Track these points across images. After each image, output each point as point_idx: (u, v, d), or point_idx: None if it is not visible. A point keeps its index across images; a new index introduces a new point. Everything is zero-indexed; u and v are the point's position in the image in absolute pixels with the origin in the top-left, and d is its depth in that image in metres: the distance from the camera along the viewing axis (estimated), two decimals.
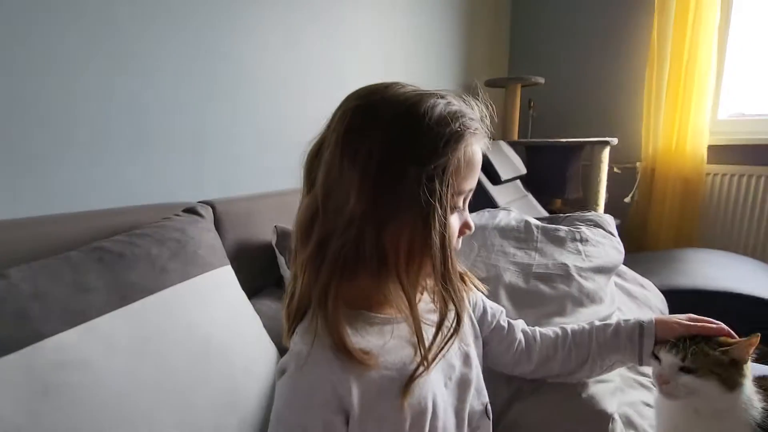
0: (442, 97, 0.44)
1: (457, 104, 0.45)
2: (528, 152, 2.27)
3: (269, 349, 0.77)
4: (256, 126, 1.20)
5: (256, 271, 1.01)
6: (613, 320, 0.61)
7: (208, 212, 0.85)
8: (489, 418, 0.53)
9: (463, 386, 0.50)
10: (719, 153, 2.12)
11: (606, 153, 2.03)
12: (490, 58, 2.57)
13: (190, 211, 0.82)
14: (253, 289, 0.94)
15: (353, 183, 0.42)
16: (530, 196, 2.07)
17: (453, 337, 0.44)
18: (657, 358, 0.55)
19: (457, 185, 0.43)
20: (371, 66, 1.60)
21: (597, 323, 0.61)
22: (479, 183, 0.60)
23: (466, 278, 0.54)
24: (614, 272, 0.92)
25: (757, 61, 2.13)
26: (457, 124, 0.42)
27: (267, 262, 1.04)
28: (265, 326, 0.78)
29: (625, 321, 0.60)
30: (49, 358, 0.49)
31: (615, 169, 2.26)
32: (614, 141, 2.03)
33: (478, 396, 0.53)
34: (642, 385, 0.75)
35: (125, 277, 0.62)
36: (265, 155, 1.23)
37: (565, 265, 0.80)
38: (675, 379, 0.52)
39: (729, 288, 1.33)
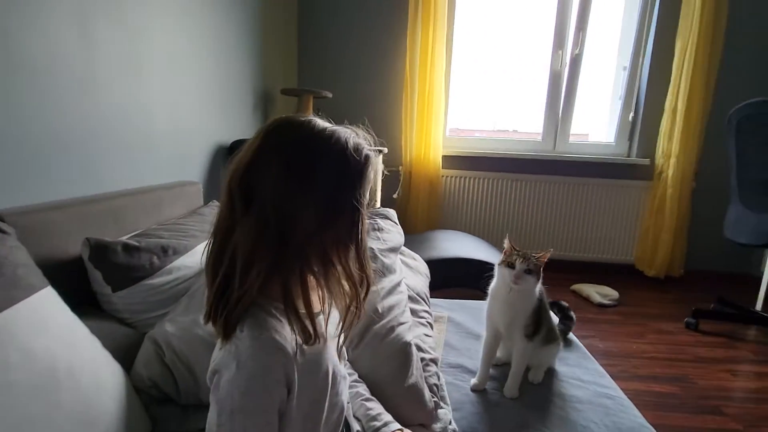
0: (348, 132, 0.57)
1: (355, 136, 0.58)
2: None
3: (114, 365, 0.75)
4: (47, 127, 1.01)
5: (61, 291, 0.89)
6: (377, 412, 0.77)
7: (8, 227, 0.72)
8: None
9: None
10: (448, 161, 2.96)
11: (380, 159, 2.53)
12: (284, 69, 2.76)
13: None
14: None
15: (306, 207, 0.52)
16: None
17: (361, 306, 0.58)
18: (511, 266, 0.98)
19: (365, 195, 0.58)
20: (174, 67, 1.54)
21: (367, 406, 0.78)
22: None
23: None
24: (399, 250, 1.28)
25: (468, 94, 3.09)
26: (365, 153, 0.57)
27: (74, 278, 0.94)
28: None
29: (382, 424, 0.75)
30: None
31: (385, 172, 2.83)
32: (385, 150, 2.56)
33: (344, 358, 0.71)
34: (422, 324, 1.12)
35: None
36: (59, 159, 1.06)
37: (372, 248, 1.08)
38: (522, 277, 0.97)
39: (463, 255, 1.96)
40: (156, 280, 1.01)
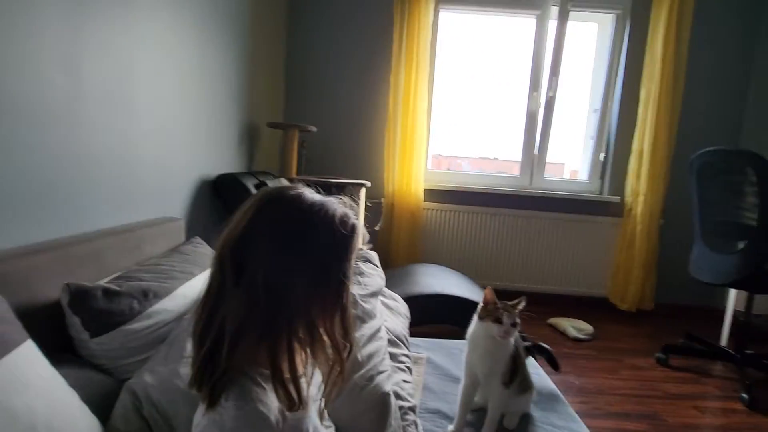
0: (337, 203, 0.61)
1: (342, 207, 0.61)
2: None
3: (91, 419, 0.75)
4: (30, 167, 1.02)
5: (38, 337, 0.88)
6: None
7: None
8: None
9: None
10: (430, 194, 3.03)
11: (363, 192, 2.58)
12: (271, 103, 2.82)
13: None
14: None
15: (297, 280, 0.55)
16: None
17: (344, 370, 0.60)
18: (498, 321, 1.01)
19: (351, 265, 0.61)
20: (160, 103, 1.56)
21: None
22: None
23: None
24: (379, 294, 1.31)
25: (451, 123, 3.20)
26: (351, 223, 0.60)
27: (52, 324, 0.93)
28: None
29: None
30: None
31: (367, 203, 2.87)
32: (368, 183, 2.61)
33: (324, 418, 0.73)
34: (401, 370, 1.14)
35: None
36: (41, 199, 1.06)
37: (353, 294, 1.10)
38: (510, 331, 1.01)
39: (443, 291, 2.00)
40: (135, 325, 1.01)
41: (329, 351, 0.59)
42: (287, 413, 0.56)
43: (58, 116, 1.11)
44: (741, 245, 2.01)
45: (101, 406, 0.83)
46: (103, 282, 1.05)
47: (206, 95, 1.95)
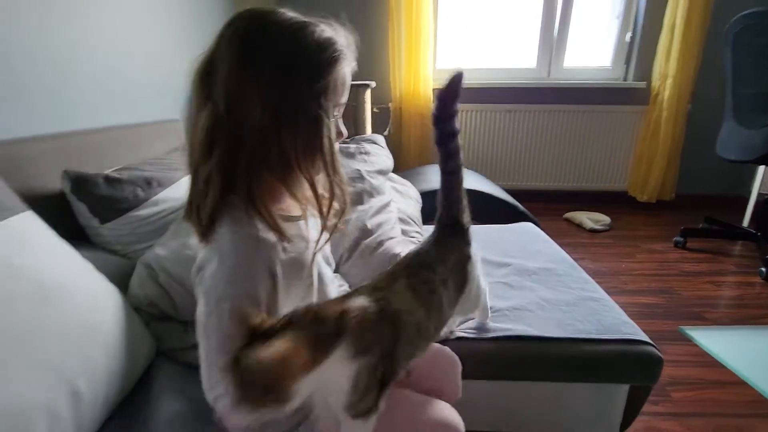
0: (317, 25, 0.53)
1: (330, 31, 0.53)
2: None
3: (108, 285, 0.76)
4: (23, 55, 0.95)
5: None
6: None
7: None
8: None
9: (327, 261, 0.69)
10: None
11: (368, 94, 2.45)
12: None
13: None
14: None
15: (256, 97, 0.49)
16: None
17: (327, 215, 0.56)
18: None
19: (334, 100, 0.55)
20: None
21: None
22: None
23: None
24: (387, 174, 1.27)
25: (457, 28, 2.92)
26: (332, 50, 0.52)
27: (58, 213, 0.93)
28: None
29: None
30: None
31: (374, 109, 2.75)
32: (373, 84, 2.46)
33: (331, 266, 0.73)
34: (411, 242, 1.14)
35: None
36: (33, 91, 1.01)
37: (359, 170, 1.07)
38: None
39: None
40: (143, 212, 1.01)
41: (308, 193, 0.56)
42: (286, 245, 0.54)
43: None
44: None
45: (120, 284, 0.85)
46: (106, 172, 1.03)
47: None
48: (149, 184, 1.06)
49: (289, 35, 0.51)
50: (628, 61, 2.86)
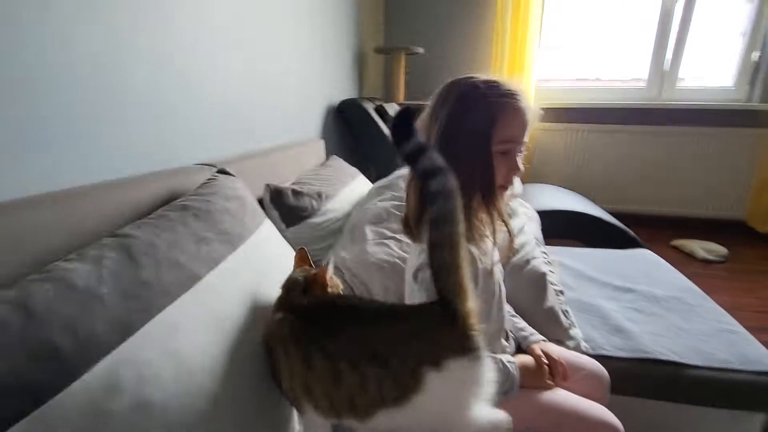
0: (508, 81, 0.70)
1: (501, 82, 0.70)
2: None
3: None
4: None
5: None
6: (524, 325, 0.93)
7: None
8: None
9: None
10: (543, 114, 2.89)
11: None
12: (372, 27, 2.83)
13: (222, 172, 0.91)
14: None
15: (470, 137, 0.68)
16: None
17: (513, 241, 0.73)
18: None
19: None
20: (286, 35, 1.70)
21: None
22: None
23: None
24: (517, 198, 1.38)
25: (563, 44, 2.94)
26: (505, 88, 0.68)
27: None
28: None
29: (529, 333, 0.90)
30: (208, 295, 0.62)
31: None
32: None
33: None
34: (545, 263, 1.24)
35: (221, 227, 0.73)
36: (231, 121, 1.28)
37: None
38: None
39: (560, 207, 2.00)
40: (317, 219, 1.22)
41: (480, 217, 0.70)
42: (483, 258, 0.69)
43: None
44: None
45: None
46: (288, 185, 1.27)
47: (321, 22, 2.02)
48: (320, 197, 1.27)
49: (478, 87, 0.71)
50: (752, 82, 2.67)
